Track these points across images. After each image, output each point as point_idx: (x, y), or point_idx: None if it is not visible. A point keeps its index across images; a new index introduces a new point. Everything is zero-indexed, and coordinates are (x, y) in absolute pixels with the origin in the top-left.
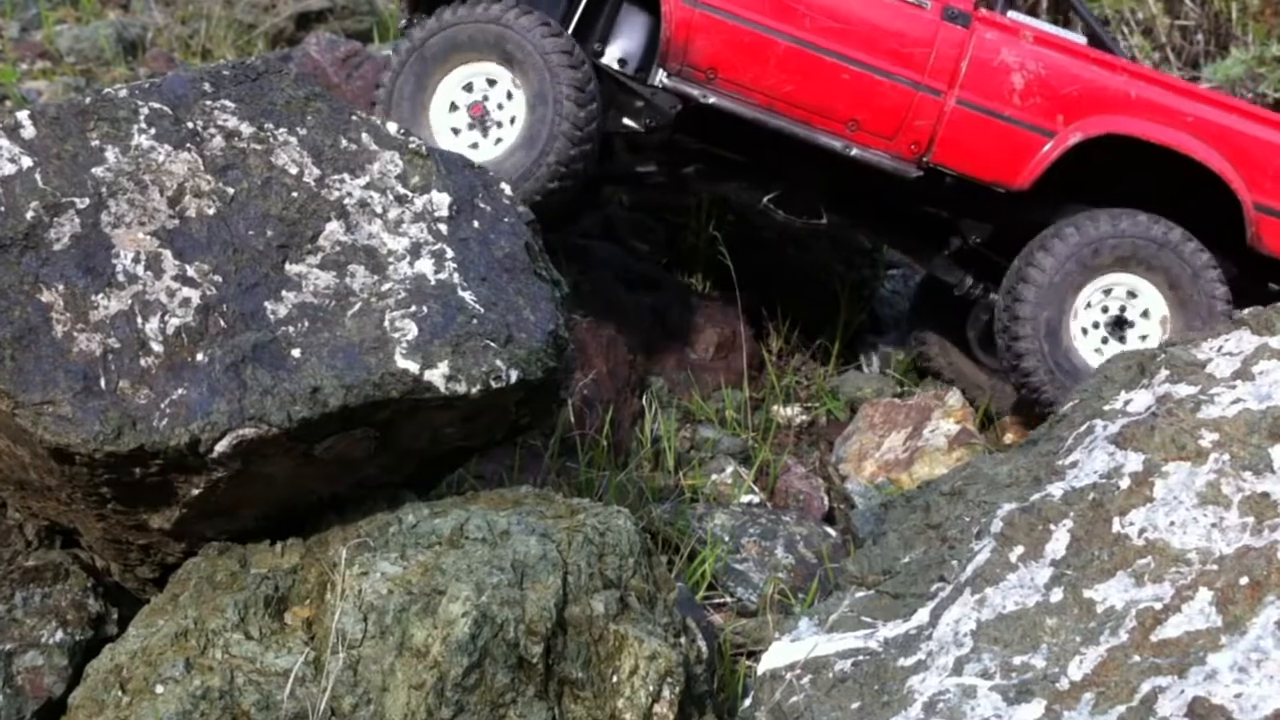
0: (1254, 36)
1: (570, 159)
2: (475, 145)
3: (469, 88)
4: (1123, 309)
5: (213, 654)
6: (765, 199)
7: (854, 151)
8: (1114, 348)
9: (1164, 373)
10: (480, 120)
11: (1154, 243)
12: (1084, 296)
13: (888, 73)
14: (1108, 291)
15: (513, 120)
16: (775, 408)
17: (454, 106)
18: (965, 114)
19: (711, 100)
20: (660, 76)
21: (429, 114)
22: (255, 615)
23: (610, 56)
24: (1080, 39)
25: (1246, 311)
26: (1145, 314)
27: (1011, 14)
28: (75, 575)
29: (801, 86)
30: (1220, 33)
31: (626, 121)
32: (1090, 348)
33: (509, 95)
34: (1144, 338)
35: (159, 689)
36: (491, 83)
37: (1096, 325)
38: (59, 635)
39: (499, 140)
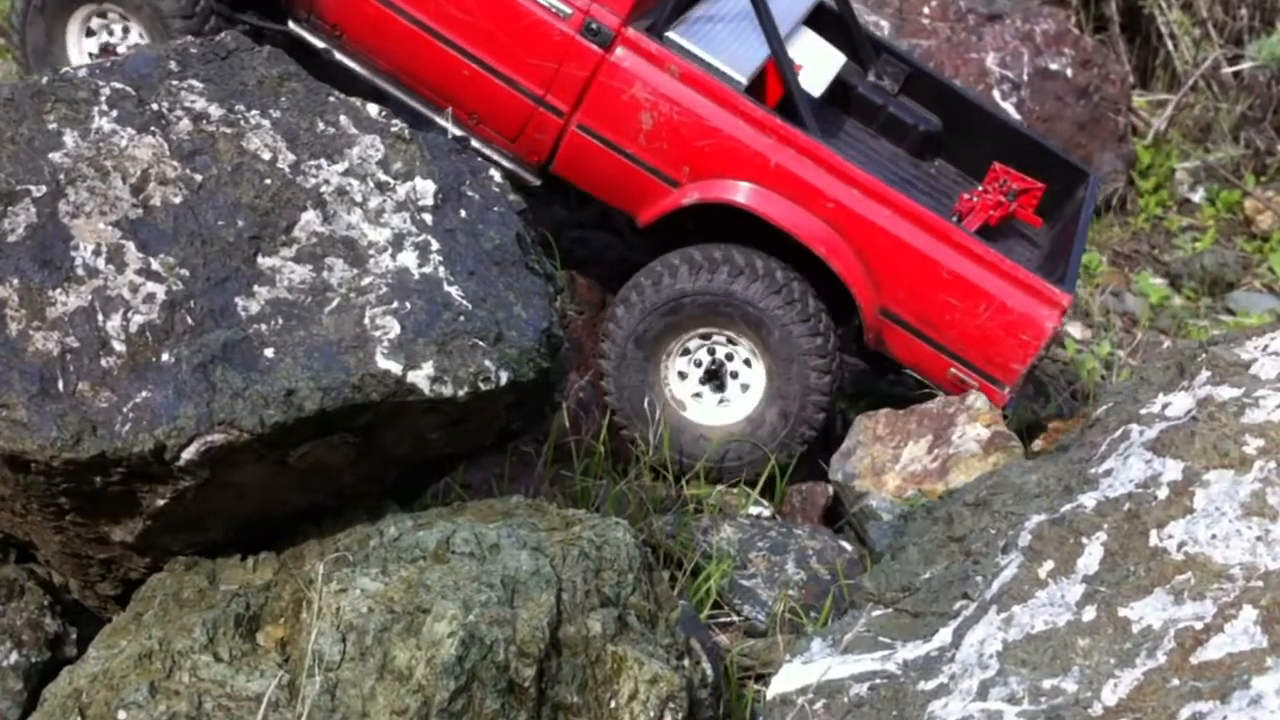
0: None
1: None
2: None
3: (102, 14)
4: (730, 356)
5: (179, 677)
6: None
7: (474, 143)
8: (712, 397)
9: (1205, 374)
10: (111, 53)
11: (734, 299)
12: (675, 347)
13: (509, 80)
14: (706, 337)
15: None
16: None
17: (90, 31)
18: (586, 141)
19: (337, 58)
20: (289, 21)
21: (67, 51)
22: (225, 635)
23: None
24: (740, 83)
25: None
26: (748, 363)
27: (675, 36)
28: (31, 592)
29: (423, 69)
30: (1265, 7)
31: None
32: (688, 394)
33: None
34: (746, 387)
35: (121, 715)
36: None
37: (699, 365)
38: (13, 657)
39: None
